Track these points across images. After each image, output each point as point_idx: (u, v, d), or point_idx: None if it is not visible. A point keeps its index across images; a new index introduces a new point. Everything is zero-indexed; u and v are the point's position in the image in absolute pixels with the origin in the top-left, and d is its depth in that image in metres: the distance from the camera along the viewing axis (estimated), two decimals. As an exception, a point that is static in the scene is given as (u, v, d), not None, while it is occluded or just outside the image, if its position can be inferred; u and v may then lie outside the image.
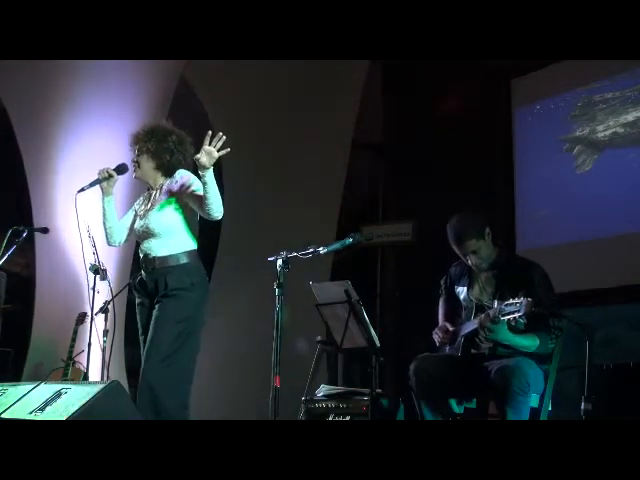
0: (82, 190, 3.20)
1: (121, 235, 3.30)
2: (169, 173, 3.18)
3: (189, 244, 3.13)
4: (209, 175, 2.91)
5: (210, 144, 2.89)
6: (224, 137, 2.91)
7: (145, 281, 3.15)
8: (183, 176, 3.12)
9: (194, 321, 3.08)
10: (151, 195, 3.23)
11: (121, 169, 3.26)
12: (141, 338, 3.17)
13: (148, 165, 3.18)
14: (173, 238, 3.10)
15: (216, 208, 2.96)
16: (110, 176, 3.20)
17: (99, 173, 3.20)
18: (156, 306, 3.07)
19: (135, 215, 3.26)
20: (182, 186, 3.08)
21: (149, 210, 3.17)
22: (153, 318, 3.05)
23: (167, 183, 3.16)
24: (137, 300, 3.21)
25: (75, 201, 3.15)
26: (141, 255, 3.18)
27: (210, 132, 2.91)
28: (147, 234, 3.12)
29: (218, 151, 2.90)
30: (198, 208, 3.04)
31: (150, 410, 2.89)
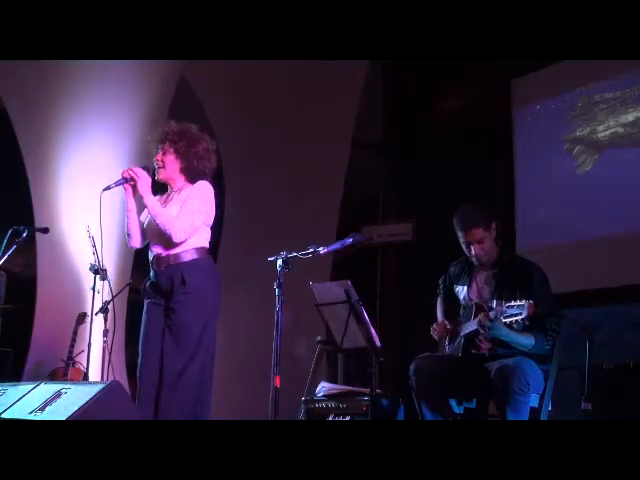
0: (107, 189, 3.10)
1: (142, 237, 3.22)
2: (192, 178, 3.14)
3: (200, 242, 3.10)
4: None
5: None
6: None
7: (157, 282, 3.09)
8: (201, 186, 3.10)
9: (212, 321, 3.06)
10: (168, 196, 3.19)
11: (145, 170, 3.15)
12: (143, 341, 3.08)
13: (173, 166, 3.13)
14: None
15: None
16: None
17: (124, 173, 3.09)
18: (173, 309, 3.02)
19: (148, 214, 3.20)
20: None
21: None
22: (174, 323, 3.00)
23: (187, 189, 3.12)
24: (149, 301, 3.13)
25: (100, 199, 3.04)
26: (151, 256, 3.13)
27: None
28: (159, 231, 3.06)
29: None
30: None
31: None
